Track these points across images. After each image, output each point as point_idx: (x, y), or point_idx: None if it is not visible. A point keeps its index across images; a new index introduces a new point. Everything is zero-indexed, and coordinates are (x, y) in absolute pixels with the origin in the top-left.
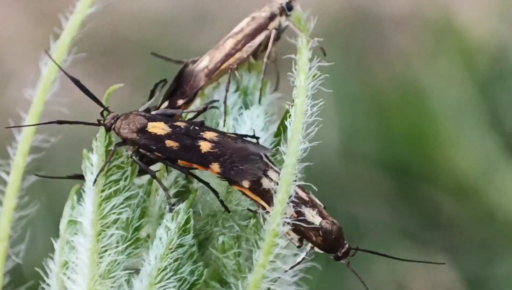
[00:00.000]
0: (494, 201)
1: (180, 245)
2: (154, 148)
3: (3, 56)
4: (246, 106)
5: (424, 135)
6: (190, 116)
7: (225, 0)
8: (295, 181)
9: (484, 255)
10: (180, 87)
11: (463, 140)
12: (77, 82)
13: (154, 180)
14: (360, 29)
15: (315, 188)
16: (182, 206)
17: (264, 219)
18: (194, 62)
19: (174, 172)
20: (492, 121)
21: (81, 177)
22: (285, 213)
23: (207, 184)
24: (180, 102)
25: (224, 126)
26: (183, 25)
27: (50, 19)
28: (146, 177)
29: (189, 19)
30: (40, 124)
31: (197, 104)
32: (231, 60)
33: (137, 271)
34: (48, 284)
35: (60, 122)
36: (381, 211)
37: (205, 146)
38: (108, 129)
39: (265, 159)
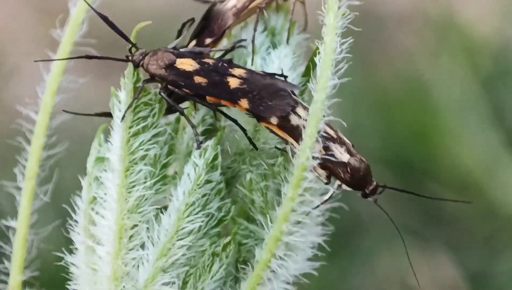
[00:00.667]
0: (497, 198)
1: (208, 181)
2: (183, 84)
3: (6, 53)
4: (274, 46)
5: (427, 132)
6: (218, 55)
7: None
8: (324, 117)
9: (486, 251)
10: (208, 26)
11: (466, 137)
12: (105, 19)
13: (182, 118)
14: (364, 27)
15: (344, 124)
16: (210, 143)
17: (293, 155)
18: (221, 1)
19: (202, 110)
20: (495, 118)
21: (109, 115)
22: (313, 148)
23: (235, 121)
24: (208, 41)
25: (252, 65)
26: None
27: (52, 16)
28: (174, 115)
29: (189, 15)
30: (69, 58)
31: (224, 43)
32: (259, 0)
33: (164, 208)
34: (75, 221)
35: (89, 57)
36: (383, 206)
37: (233, 82)
38: (136, 65)
39: (293, 95)
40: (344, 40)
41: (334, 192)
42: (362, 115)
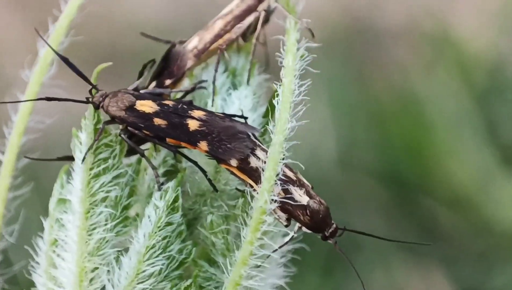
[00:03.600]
0: (491, 213)
1: (169, 224)
2: (143, 126)
3: (2, 65)
4: (234, 87)
5: (421, 147)
6: (178, 96)
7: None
8: (283, 159)
9: (481, 267)
10: (168, 67)
11: (460, 152)
12: (65, 60)
13: (143, 159)
14: (359, 41)
15: (302, 167)
16: (171, 184)
17: (252, 198)
18: (182, 42)
19: (163, 152)
20: (489, 133)
21: (71, 158)
22: (272, 191)
23: (195, 163)
24: (168, 82)
25: (212, 106)
26: (182, 34)
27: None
28: (135, 157)
29: (188, 28)
30: (30, 100)
31: (185, 84)
32: (220, 41)
33: (125, 249)
34: (37, 262)
35: (49, 99)
36: (377, 222)
37: (193, 124)
38: (96, 107)
39: (252, 137)
40: (302, 82)
41: (293, 234)
42: (357, 129)
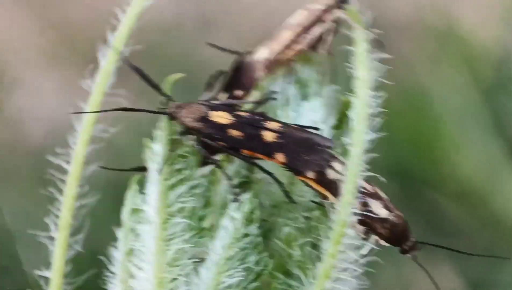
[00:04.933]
0: (499, 207)
1: (246, 235)
2: (218, 137)
3: (8, 64)
4: (304, 98)
5: (428, 141)
6: (249, 107)
7: (228, 8)
8: (361, 171)
9: (488, 261)
10: (238, 78)
11: (467, 146)
12: (138, 70)
13: (217, 170)
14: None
15: (383, 179)
16: (248, 195)
17: (331, 210)
18: (249, 52)
19: (236, 163)
20: (496, 126)
21: (142, 169)
22: (353, 204)
23: (271, 174)
24: (238, 93)
25: (284, 117)
26: (187, 33)
27: (54, 27)
28: (208, 168)
29: (193, 27)
30: (104, 110)
31: (255, 95)
32: (290, 52)
33: (200, 260)
34: (112, 272)
35: (124, 110)
36: None
37: (269, 136)
38: (171, 118)
39: (329, 150)
40: (377, 94)
41: (373, 247)
42: None
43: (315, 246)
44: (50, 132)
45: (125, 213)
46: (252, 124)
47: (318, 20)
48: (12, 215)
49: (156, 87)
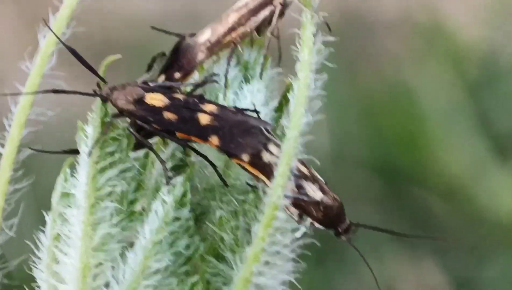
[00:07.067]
0: (484, 204)
1: (176, 219)
2: (152, 120)
3: None
4: (246, 80)
5: (414, 138)
6: (188, 90)
7: (216, 3)
8: (297, 154)
9: (473, 258)
10: (177, 60)
11: (452, 143)
12: (73, 52)
13: (151, 153)
14: (351, 33)
15: (317, 162)
16: (179, 179)
17: (264, 193)
18: (192, 35)
19: (171, 146)
20: (482, 124)
21: (76, 152)
22: (285, 187)
23: (205, 157)
24: (178, 75)
25: (224, 100)
26: (175, 28)
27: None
28: (142, 151)
29: (180, 22)
30: (36, 92)
31: (196, 77)
32: (233, 34)
33: (130, 245)
34: (39, 257)
35: (55, 92)
36: (371, 214)
37: (204, 119)
38: (104, 100)
39: (265, 132)
40: (318, 76)
41: (306, 231)
42: (348, 122)
43: (249, 230)
44: None
45: (54, 197)
46: (188, 107)
47: (266, 3)
48: None
49: (91, 69)
